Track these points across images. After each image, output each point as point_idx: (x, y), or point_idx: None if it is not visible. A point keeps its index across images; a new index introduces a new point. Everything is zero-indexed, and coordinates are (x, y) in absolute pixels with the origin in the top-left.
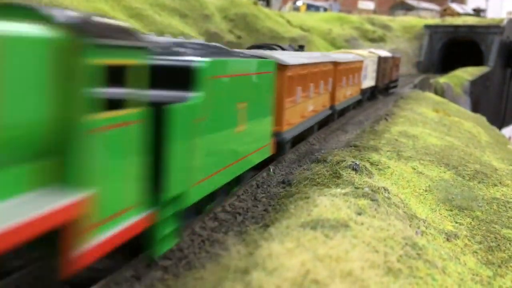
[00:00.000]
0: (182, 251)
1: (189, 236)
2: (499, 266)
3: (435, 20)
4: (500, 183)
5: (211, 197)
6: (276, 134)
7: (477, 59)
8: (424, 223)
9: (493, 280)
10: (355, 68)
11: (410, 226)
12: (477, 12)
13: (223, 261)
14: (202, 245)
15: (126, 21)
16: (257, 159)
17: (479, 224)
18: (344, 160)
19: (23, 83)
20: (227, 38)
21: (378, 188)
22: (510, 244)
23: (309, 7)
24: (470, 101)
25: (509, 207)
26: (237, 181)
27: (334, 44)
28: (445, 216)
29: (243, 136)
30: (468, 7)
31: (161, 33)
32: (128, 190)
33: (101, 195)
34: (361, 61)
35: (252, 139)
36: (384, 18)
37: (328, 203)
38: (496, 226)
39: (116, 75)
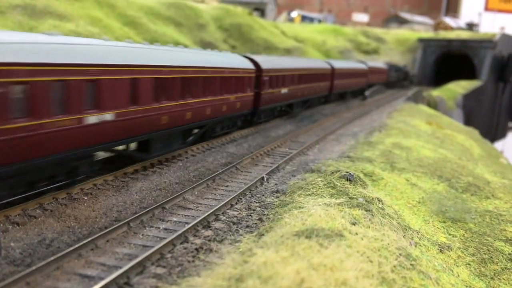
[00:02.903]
0: (176, 258)
1: (183, 244)
2: (492, 278)
3: (429, 34)
4: (493, 195)
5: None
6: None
7: (469, 73)
8: (418, 234)
9: None
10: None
11: (404, 237)
12: (470, 26)
13: (217, 269)
14: (196, 253)
15: (121, 28)
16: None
17: (472, 236)
18: (339, 171)
19: None
20: (222, 47)
21: (372, 199)
22: (502, 256)
23: (304, 18)
24: (463, 114)
25: (502, 220)
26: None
27: (328, 55)
28: (438, 227)
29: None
30: (461, 21)
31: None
32: None
33: None
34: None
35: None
36: (378, 31)
37: (323, 213)
38: (489, 238)
39: None
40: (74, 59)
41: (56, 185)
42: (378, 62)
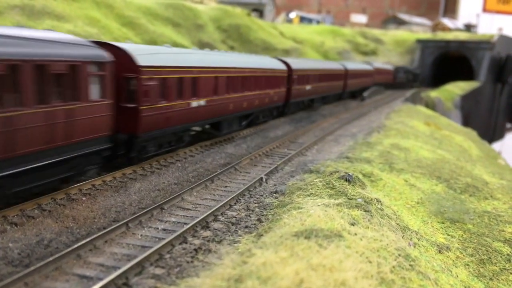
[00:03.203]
0: (175, 259)
1: (182, 245)
2: (491, 279)
3: (427, 35)
4: (491, 196)
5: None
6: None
7: (468, 74)
8: (417, 234)
9: None
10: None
11: (402, 237)
12: (468, 27)
13: (216, 269)
14: (195, 254)
15: (119, 29)
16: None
17: (471, 237)
18: (337, 171)
19: None
20: (220, 48)
21: (371, 199)
22: (501, 257)
23: (302, 19)
24: (461, 115)
25: (500, 221)
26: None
27: (327, 56)
28: (437, 228)
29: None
30: (460, 23)
31: (153, 42)
32: None
33: None
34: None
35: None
36: (376, 32)
37: (322, 213)
38: (488, 239)
39: None
40: (186, 64)
41: (169, 148)
42: (385, 64)
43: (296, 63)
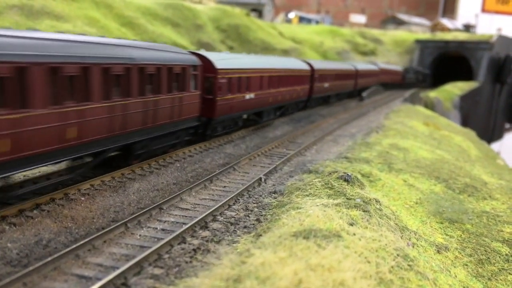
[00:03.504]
0: (173, 259)
1: (181, 245)
2: (489, 279)
3: (426, 35)
4: (490, 196)
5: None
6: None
7: (466, 74)
8: (415, 235)
9: None
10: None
11: (401, 237)
12: (467, 27)
13: (215, 269)
14: (194, 254)
15: (118, 29)
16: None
17: (469, 237)
18: (336, 171)
19: None
20: (219, 48)
21: (370, 200)
22: (500, 257)
23: (301, 19)
24: (460, 116)
25: (499, 221)
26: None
27: (326, 56)
28: (435, 228)
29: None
30: (459, 23)
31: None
32: None
33: None
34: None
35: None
36: (376, 32)
37: (320, 213)
38: (486, 239)
39: None
40: (243, 66)
41: (229, 130)
42: (393, 65)
43: (318, 64)
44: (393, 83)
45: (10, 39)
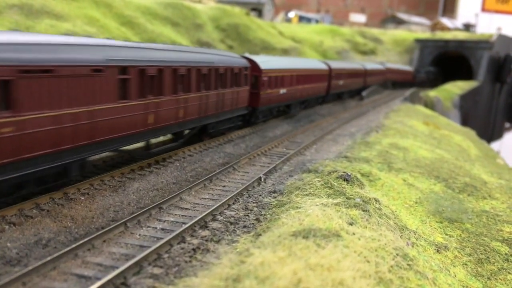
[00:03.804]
0: (173, 259)
1: (180, 245)
2: (489, 278)
3: (426, 34)
4: (490, 196)
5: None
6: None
7: (466, 74)
8: (415, 234)
9: None
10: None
11: (401, 237)
12: (467, 27)
13: (214, 269)
14: (193, 254)
15: (118, 28)
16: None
17: (469, 237)
18: (336, 171)
19: None
20: (219, 47)
21: (370, 199)
22: (499, 256)
23: (301, 18)
24: (460, 115)
25: (499, 220)
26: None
27: (326, 56)
28: (435, 228)
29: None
30: (458, 22)
31: (153, 41)
32: None
33: None
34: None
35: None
36: (375, 31)
37: (320, 213)
38: (486, 238)
39: None
40: (279, 66)
41: (266, 118)
42: (401, 65)
43: (334, 64)
44: (404, 82)
45: (115, 49)
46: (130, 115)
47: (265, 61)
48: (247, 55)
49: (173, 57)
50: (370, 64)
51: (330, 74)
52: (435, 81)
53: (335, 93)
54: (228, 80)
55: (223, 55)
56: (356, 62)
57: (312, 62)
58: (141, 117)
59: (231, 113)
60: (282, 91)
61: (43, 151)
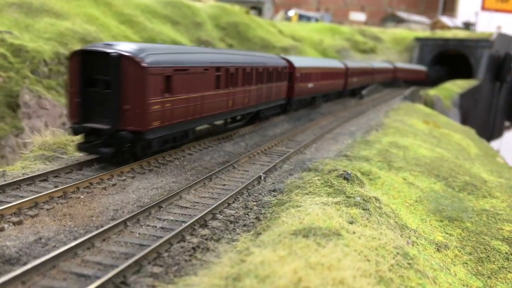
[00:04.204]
0: (173, 257)
1: (180, 243)
2: (489, 277)
3: (426, 33)
4: (490, 194)
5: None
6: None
7: (466, 72)
8: (415, 233)
9: None
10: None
11: (401, 235)
12: (467, 25)
13: (214, 268)
14: (193, 252)
15: (117, 27)
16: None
17: (469, 235)
18: (336, 170)
19: None
20: (218, 46)
21: (370, 198)
22: (499, 255)
23: (301, 17)
24: (460, 114)
25: (499, 219)
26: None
27: (325, 54)
28: (435, 226)
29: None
30: (458, 21)
31: (152, 40)
32: None
33: None
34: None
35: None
36: (375, 30)
37: (320, 212)
38: (486, 237)
39: None
40: (308, 65)
41: (295, 108)
42: (412, 64)
43: (350, 64)
44: (415, 80)
45: (214, 55)
46: (221, 99)
47: (298, 61)
48: (287, 56)
49: (242, 60)
50: (378, 63)
51: (346, 73)
52: (442, 80)
53: (350, 89)
54: (274, 76)
55: (271, 58)
56: (367, 62)
57: (332, 62)
58: (226, 101)
59: (275, 102)
60: (310, 85)
61: (181, 119)
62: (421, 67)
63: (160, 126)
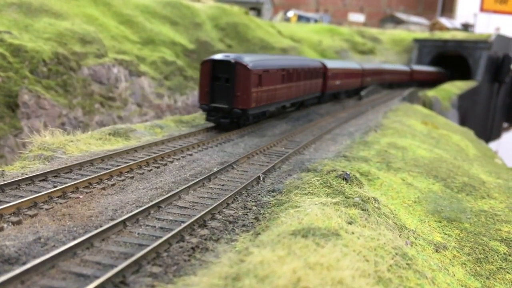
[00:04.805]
0: (172, 257)
1: (179, 243)
2: (487, 278)
3: (424, 34)
4: (488, 195)
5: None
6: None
7: (465, 73)
8: (414, 233)
9: None
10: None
11: (400, 236)
12: (466, 27)
13: (213, 268)
14: (192, 252)
15: (117, 27)
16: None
17: (468, 236)
18: (335, 170)
19: None
20: (218, 46)
21: (368, 198)
22: (498, 256)
23: (300, 18)
24: (458, 115)
25: (497, 220)
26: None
27: (324, 55)
28: (434, 227)
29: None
30: (457, 22)
31: (151, 40)
32: None
33: None
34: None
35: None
36: (374, 31)
37: (319, 212)
38: (484, 238)
39: None
40: (336, 66)
41: (329, 100)
42: (429, 66)
43: (365, 65)
44: (427, 80)
45: (281, 61)
46: (284, 91)
47: (329, 63)
48: (321, 60)
49: (295, 63)
50: (389, 65)
51: (362, 73)
52: (454, 78)
53: (364, 86)
54: (313, 75)
55: (311, 60)
56: (378, 63)
57: (352, 63)
58: (287, 92)
59: (314, 94)
60: (337, 82)
61: (264, 103)
62: (434, 69)
63: (255, 107)
